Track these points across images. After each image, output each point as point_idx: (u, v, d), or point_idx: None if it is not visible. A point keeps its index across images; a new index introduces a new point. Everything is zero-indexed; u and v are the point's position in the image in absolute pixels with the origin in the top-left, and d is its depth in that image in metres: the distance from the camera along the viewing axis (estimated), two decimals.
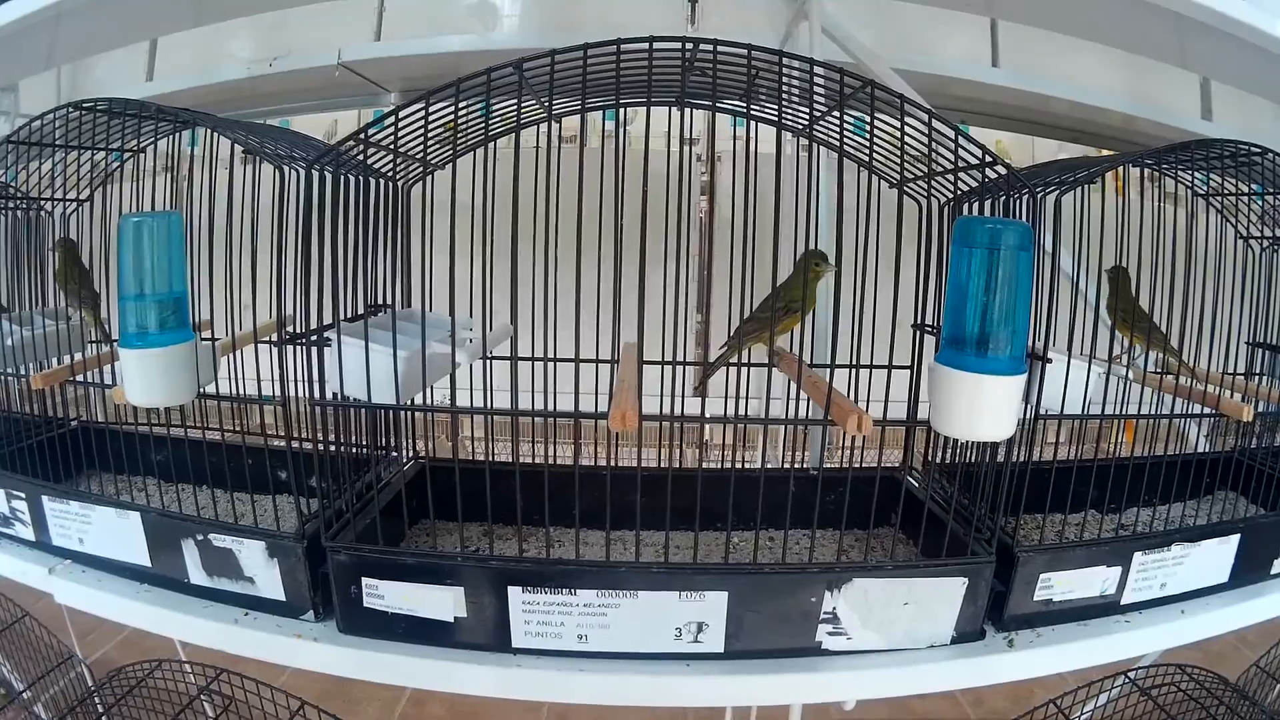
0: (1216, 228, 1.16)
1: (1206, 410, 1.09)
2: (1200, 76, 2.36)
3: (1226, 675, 1.68)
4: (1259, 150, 1.00)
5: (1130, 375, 1.06)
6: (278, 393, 0.91)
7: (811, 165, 0.90)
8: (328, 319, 0.91)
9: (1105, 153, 2.60)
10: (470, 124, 0.96)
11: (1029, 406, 0.90)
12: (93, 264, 1.20)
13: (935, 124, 0.83)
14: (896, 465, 1.18)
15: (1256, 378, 1.22)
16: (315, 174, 0.87)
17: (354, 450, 1.05)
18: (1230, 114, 2.37)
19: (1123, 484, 1.10)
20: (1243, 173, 1.08)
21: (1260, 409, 1.15)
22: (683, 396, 0.97)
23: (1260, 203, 1.16)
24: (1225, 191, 1.16)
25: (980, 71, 2.28)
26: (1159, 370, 1.17)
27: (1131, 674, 1.63)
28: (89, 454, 1.22)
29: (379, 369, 0.89)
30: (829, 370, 1.00)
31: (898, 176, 0.96)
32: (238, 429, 1.11)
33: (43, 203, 1.22)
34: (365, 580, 0.91)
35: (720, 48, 0.81)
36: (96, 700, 1.60)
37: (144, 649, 1.89)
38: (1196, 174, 1.14)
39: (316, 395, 0.91)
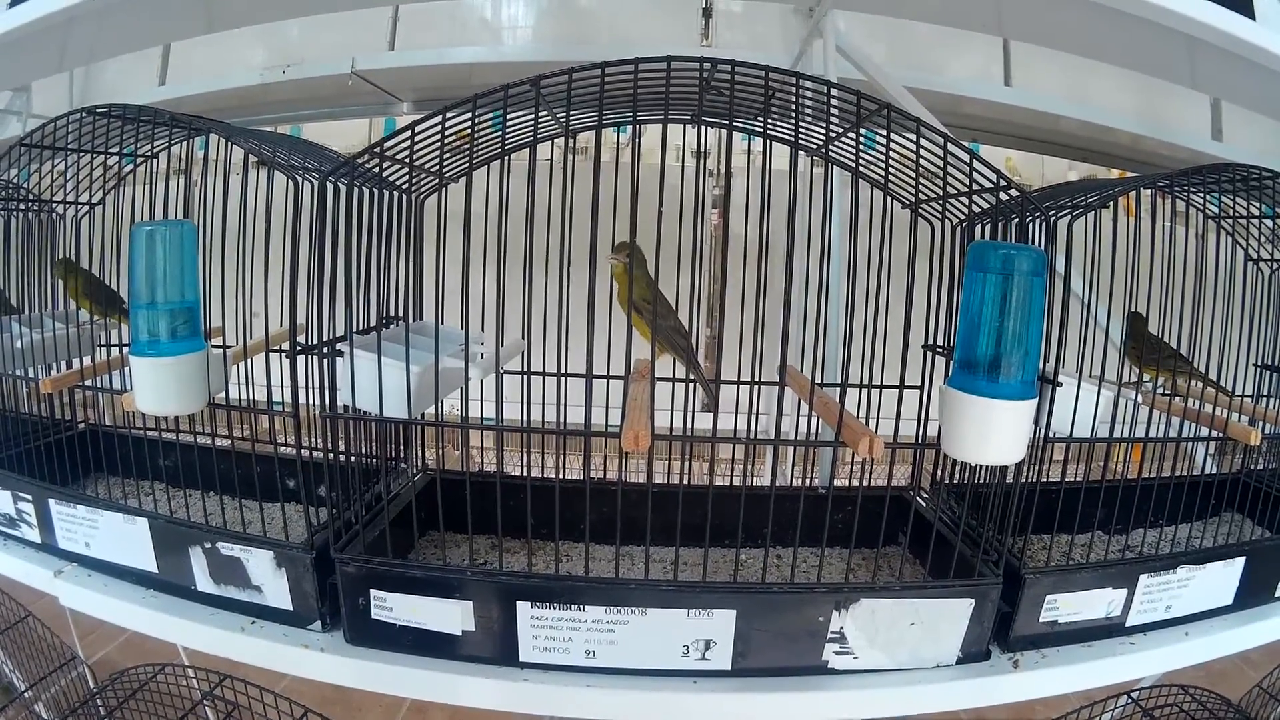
0: (1227, 250, 1.16)
1: (1215, 433, 1.09)
2: (1210, 97, 2.36)
3: (1229, 695, 1.67)
4: (1271, 174, 1.00)
5: (1139, 399, 1.06)
6: (288, 400, 0.91)
7: (827, 184, 0.90)
8: (340, 330, 0.91)
9: (1115, 172, 2.60)
10: (485, 138, 0.96)
11: (1038, 429, 0.90)
12: (104, 267, 1.20)
13: (950, 147, 0.84)
14: (905, 485, 1.18)
15: (1265, 400, 1.22)
16: (330, 185, 0.87)
17: (364, 462, 1.05)
18: (1241, 134, 2.37)
19: (1129, 505, 1.10)
20: (1254, 195, 1.08)
21: (1267, 432, 1.16)
22: (694, 413, 0.96)
23: (1272, 225, 1.16)
24: (1236, 214, 1.16)
25: (992, 90, 2.28)
26: (1167, 393, 1.17)
27: (1134, 694, 1.62)
28: (97, 457, 1.22)
29: (391, 383, 0.89)
30: (839, 390, 1.00)
31: (912, 197, 0.96)
32: (247, 436, 1.11)
33: (54, 205, 1.23)
34: (374, 592, 0.91)
35: (737, 68, 0.81)
36: (99, 702, 1.60)
37: (146, 651, 1.89)
38: (1209, 196, 1.14)
39: (328, 407, 0.91)
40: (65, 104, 2.57)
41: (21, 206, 1.22)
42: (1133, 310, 1.15)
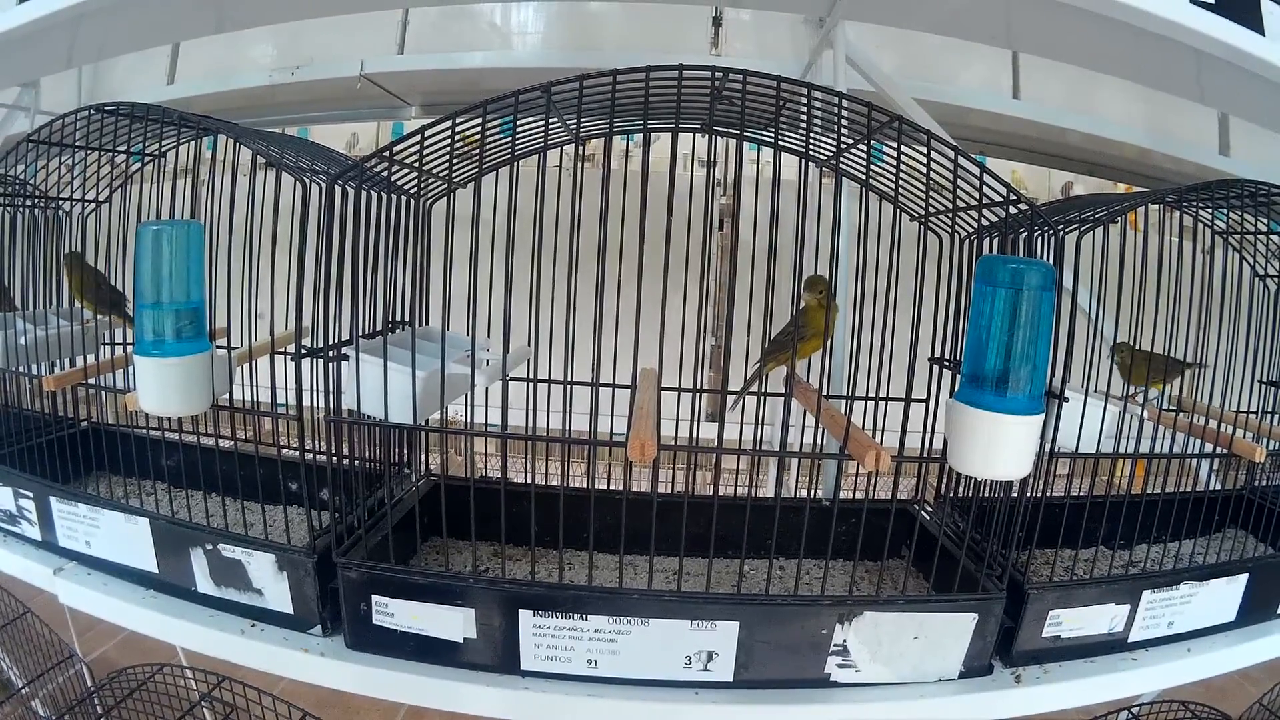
0: (1233, 265, 1.16)
1: (1220, 450, 1.09)
2: (1218, 111, 2.35)
3: (1229, 711, 1.67)
4: (1279, 190, 1.00)
5: (1145, 414, 1.06)
6: (292, 402, 0.91)
7: (837, 196, 0.90)
8: (345, 334, 0.91)
9: (1121, 186, 2.60)
10: (495, 143, 0.96)
11: (1044, 444, 0.90)
12: (110, 266, 1.20)
13: (961, 160, 0.83)
14: (910, 498, 1.18)
15: (1270, 416, 1.22)
16: (338, 189, 0.87)
17: (367, 466, 1.05)
18: (1248, 149, 2.36)
19: (1133, 521, 1.09)
20: (1261, 211, 1.08)
21: (1272, 448, 1.15)
22: (699, 423, 0.96)
23: (1279, 241, 1.16)
24: (1244, 230, 1.16)
25: (1000, 102, 2.27)
26: (1173, 408, 1.17)
27: (1134, 709, 1.62)
28: (99, 455, 1.22)
29: (397, 388, 0.89)
30: (846, 402, 0.99)
31: (921, 210, 0.96)
32: (250, 438, 1.10)
33: (61, 202, 1.22)
34: (375, 598, 0.91)
35: (749, 78, 0.81)
36: (96, 701, 1.60)
37: (144, 649, 1.88)
38: (1217, 212, 1.14)
39: (332, 412, 0.91)
40: (74, 101, 2.57)
41: (28, 203, 1.22)
42: (1116, 343, 1.15)
